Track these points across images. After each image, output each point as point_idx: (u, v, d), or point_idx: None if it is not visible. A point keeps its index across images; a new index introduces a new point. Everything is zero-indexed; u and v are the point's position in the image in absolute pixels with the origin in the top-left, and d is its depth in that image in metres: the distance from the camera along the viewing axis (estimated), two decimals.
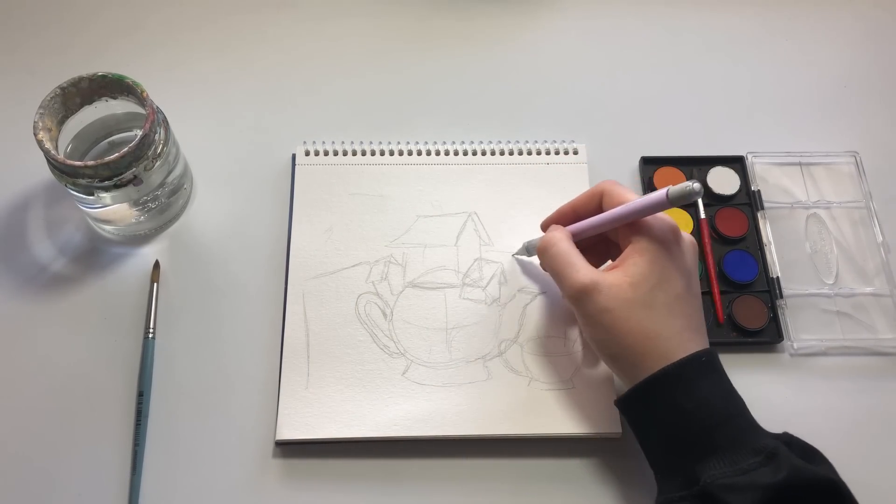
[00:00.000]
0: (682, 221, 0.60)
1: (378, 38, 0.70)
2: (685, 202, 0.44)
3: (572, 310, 0.49)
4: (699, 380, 0.45)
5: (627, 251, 0.47)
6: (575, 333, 0.55)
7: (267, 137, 0.64)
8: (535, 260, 0.56)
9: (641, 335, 0.45)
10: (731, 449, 0.43)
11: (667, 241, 0.47)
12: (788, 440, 0.45)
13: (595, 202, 0.51)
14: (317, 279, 0.57)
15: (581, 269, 0.47)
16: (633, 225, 0.47)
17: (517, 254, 0.57)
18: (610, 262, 0.53)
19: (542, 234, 0.54)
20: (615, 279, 0.46)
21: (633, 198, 0.48)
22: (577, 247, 0.50)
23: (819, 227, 0.61)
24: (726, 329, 0.56)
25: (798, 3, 0.72)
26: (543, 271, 0.55)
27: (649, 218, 0.47)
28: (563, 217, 0.53)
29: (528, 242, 0.56)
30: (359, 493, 0.51)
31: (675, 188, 0.44)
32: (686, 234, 0.49)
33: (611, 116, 0.66)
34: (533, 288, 0.57)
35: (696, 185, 0.43)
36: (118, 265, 0.58)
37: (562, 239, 0.49)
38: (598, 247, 0.53)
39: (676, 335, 0.46)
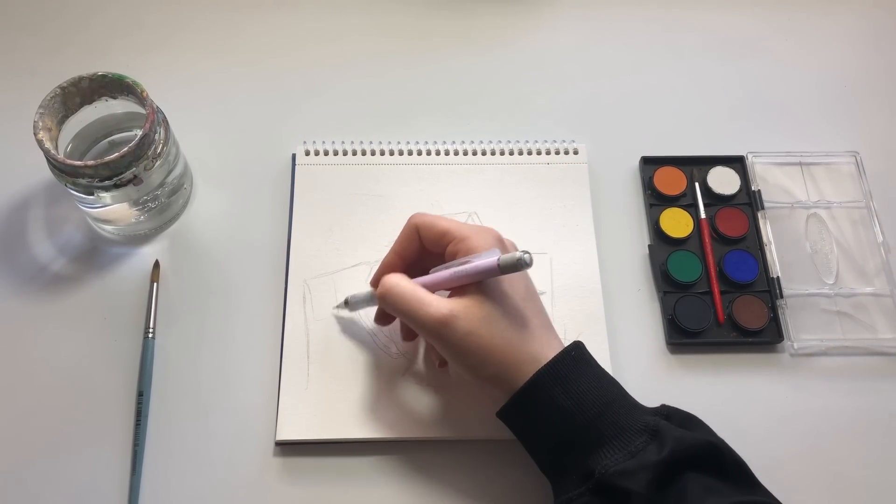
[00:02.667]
0: (682, 221, 0.60)
1: (378, 38, 0.70)
2: (515, 271, 0.45)
3: (434, 345, 0.48)
4: (573, 375, 0.46)
5: None
6: (574, 333, 0.55)
7: (267, 137, 0.64)
8: (356, 315, 0.55)
9: (507, 346, 0.46)
10: (616, 435, 0.44)
11: (505, 248, 0.48)
12: (667, 412, 0.46)
13: (415, 240, 0.50)
14: (317, 279, 0.57)
15: (433, 303, 0.46)
16: (461, 247, 0.48)
17: (337, 307, 0.55)
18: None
19: (365, 288, 0.54)
20: (465, 302, 0.46)
21: (443, 223, 0.49)
22: None
23: (819, 227, 0.61)
24: (726, 329, 0.56)
25: (798, 3, 0.72)
26: (367, 326, 0.55)
27: (472, 233, 0.48)
28: (391, 266, 0.51)
29: (351, 297, 0.54)
30: (359, 493, 0.51)
31: (504, 258, 0.44)
32: (508, 240, 0.50)
33: (611, 116, 0.66)
34: None
35: (528, 256, 0.44)
36: (118, 265, 0.58)
37: (401, 279, 0.48)
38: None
39: (537, 336, 0.47)
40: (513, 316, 0.46)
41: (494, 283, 0.47)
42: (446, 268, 0.48)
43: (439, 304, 0.46)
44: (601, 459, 0.43)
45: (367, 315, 0.55)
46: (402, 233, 0.51)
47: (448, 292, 0.48)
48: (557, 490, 0.46)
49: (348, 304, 0.54)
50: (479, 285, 0.46)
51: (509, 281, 0.47)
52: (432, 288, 0.48)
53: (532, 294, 0.49)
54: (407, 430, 0.52)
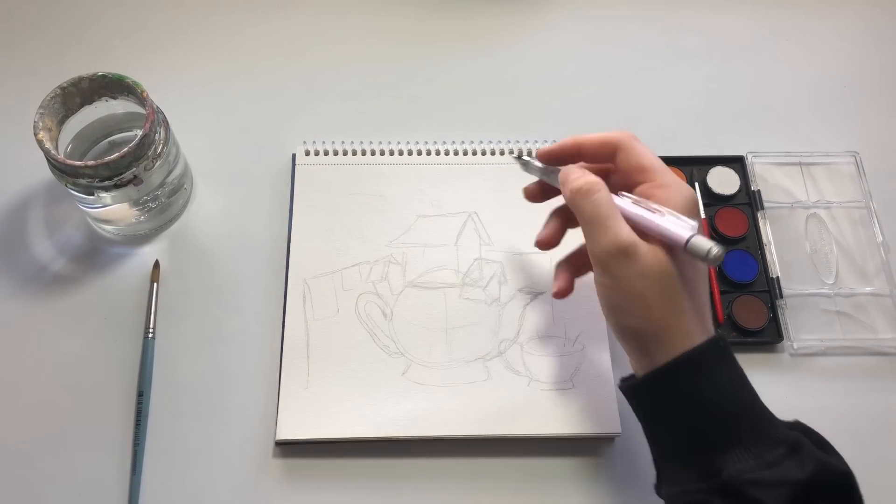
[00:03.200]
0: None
1: (378, 38, 0.70)
2: (697, 259, 0.42)
3: (598, 269, 0.44)
4: (719, 366, 0.43)
5: None
6: (574, 333, 0.55)
7: (267, 137, 0.64)
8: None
9: (670, 310, 0.43)
10: (753, 441, 0.41)
11: (694, 218, 0.44)
12: (804, 430, 0.44)
13: (605, 151, 0.47)
14: (317, 279, 0.57)
15: (624, 227, 0.43)
16: (657, 193, 0.44)
17: (515, 157, 0.54)
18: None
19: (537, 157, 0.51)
20: (653, 247, 0.43)
21: (649, 158, 0.46)
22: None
23: (819, 227, 0.61)
24: (726, 329, 0.57)
25: (798, 3, 0.72)
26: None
27: (673, 185, 0.44)
28: (565, 151, 0.49)
29: (530, 160, 0.51)
30: (359, 493, 0.51)
31: (696, 241, 0.41)
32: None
33: (611, 116, 0.66)
34: (533, 288, 0.57)
35: (717, 252, 0.41)
36: (118, 265, 0.58)
37: (605, 188, 0.44)
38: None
39: (698, 314, 0.44)
40: (687, 284, 0.43)
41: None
42: (634, 202, 0.45)
43: (629, 232, 0.43)
44: (732, 462, 0.41)
45: (368, 314, 0.55)
46: (598, 135, 0.47)
47: None
48: (669, 479, 0.44)
49: (526, 163, 0.52)
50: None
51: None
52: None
53: (704, 275, 0.45)
54: (407, 430, 0.52)
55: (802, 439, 0.42)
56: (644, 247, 0.43)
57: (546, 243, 0.50)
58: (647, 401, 0.45)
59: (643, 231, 0.44)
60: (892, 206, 0.62)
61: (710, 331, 0.44)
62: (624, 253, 0.42)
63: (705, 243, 0.41)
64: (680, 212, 0.43)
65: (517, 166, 0.52)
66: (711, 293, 0.57)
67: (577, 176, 0.45)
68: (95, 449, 0.52)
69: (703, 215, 0.60)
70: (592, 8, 0.72)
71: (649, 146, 0.63)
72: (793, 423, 0.44)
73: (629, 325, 0.44)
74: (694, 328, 0.43)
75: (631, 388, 0.45)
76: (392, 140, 0.62)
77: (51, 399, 0.54)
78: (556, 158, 0.49)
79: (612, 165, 0.47)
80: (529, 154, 0.52)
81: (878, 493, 0.52)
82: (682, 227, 0.42)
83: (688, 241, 0.42)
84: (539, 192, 0.52)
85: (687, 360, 0.42)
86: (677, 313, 0.43)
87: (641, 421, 0.46)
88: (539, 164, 0.50)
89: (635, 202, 0.45)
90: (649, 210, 0.44)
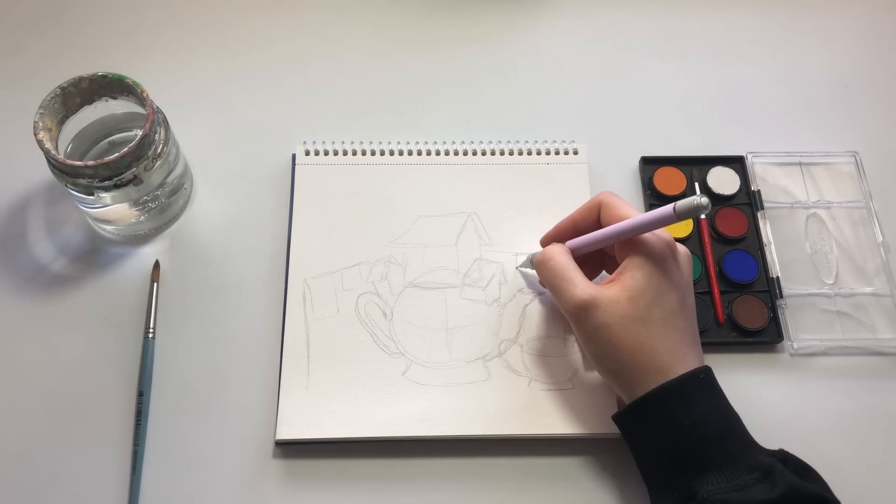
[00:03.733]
0: (682, 222, 0.60)
1: (378, 38, 0.70)
2: (692, 216, 0.44)
3: (571, 325, 0.49)
4: (696, 397, 0.45)
5: (624, 265, 0.48)
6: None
7: (267, 137, 0.64)
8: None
9: (638, 350, 0.46)
10: (728, 465, 0.43)
11: (663, 256, 0.47)
12: (784, 457, 0.45)
13: (594, 215, 0.51)
14: (317, 279, 0.57)
15: (579, 285, 0.47)
16: (630, 239, 0.48)
17: (521, 266, 0.57)
18: (605, 273, 0.54)
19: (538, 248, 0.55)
20: (612, 295, 0.46)
21: (631, 211, 0.48)
22: (576, 259, 0.50)
23: (819, 227, 0.61)
24: (726, 329, 0.56)
25: (798, 3, 0.72)
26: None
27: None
28: (563, 232, 0.53)
29: (532, 255, 0.56)
30: (359, 493, 0.51)
31: (682, 203, 0.44)
32: (682, 247, 0.49)
33: (611, 116, 0.66)
34: (533, 288, 0.57)
35: (704, 200, 0.43)
36: (118, 265, 0.58)
37: (559, 253, 0.50)
38: (594, 258, 0.53)
39: (672, 349, 0.46)
40: (654, 323, 0.46)
41: (647, 287, 0.46)
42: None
43: (584, 288, 0.47)
44: (706, 485, 0.43)
45: (368, 314, 0.55)
46: (584, 204, 0.52)
47: (602, 273, 0.52)
48: (655, 502, 0.46)
49: (532, 262, 0.55)
50: (632, 283, 0.46)
51: (664, 289, 0.47)
52: (605, 240, 0.49)
53: (685, 308, 0.48)
54: (407, 430, 0.52)
55: (776, 464, 0.43)
56: (603, 299, 0.46)
57: None
58: (627, 430, 0.48)
59: (632, 238, 0.47)
60: (892, 206, 0.62)
61: (692, 364, 0.46)
62: (583, 308, 0.47)
63: (690, 200, 0.43)
64: (657, 239, 0.48)
65: (518, 172, 0.52)
66: (712, 293, 0.57)
67: (540, 252, 0.52)
68: (95, 449, 0.52)
69: (703, 215, 0.60)
70: (592, 8, 0.72)
71: (649, 147, 0.63)
72: (775, 451, 0.46)
73: (606, 370, 0.48)
74: (669, 364, 0.46)
75: (616, 419, 0.48)
76: (392, 140, 0.62)
77: (51, 399, 0.54)
78: (557, 239, 0.53)
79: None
80: (531, 263, 0.56)
81: (878, 493, 0.52)
82: (663, 209, 0.45)
83: (675, 207, 0.44)
84: None
85: (661, 392, 0.45)
86: (647, 352, 0.46)
87: (630, 449, 0.48)
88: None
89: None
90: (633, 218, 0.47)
